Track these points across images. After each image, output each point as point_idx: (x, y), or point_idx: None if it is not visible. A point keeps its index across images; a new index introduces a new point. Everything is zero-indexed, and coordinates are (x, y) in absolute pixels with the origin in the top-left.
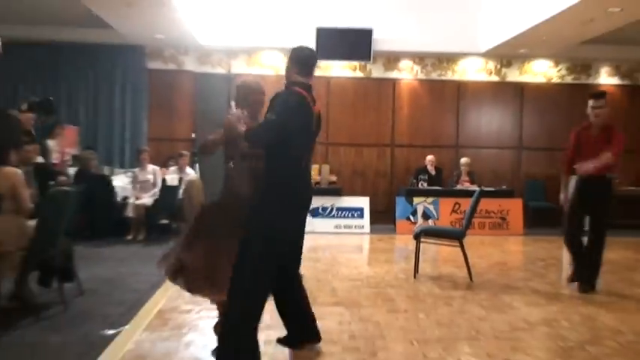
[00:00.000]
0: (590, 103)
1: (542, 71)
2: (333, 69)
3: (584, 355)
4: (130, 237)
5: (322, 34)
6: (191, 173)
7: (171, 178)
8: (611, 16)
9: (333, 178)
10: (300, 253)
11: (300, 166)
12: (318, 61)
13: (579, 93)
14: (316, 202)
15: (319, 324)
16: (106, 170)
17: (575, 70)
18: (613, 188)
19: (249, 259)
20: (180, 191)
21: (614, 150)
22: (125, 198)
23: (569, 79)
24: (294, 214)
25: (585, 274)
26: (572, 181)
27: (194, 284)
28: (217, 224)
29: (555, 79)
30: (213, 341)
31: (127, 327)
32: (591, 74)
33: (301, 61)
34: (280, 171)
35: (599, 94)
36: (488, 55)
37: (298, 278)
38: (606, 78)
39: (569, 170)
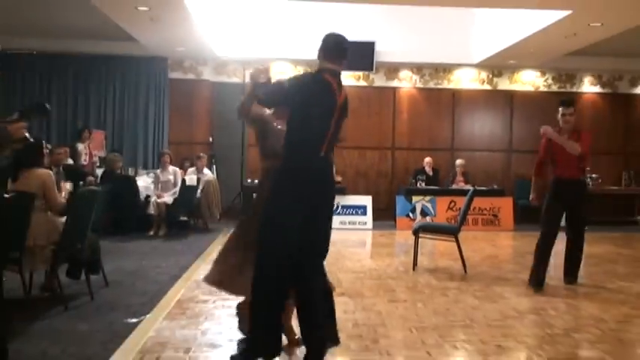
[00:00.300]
0: (561, 110)
1: (530, 80)
2: None
3: (569, 341)
4: (151, 233)
5: None
6: (208, 174)
7: (190, 179)
8: (593, 31)
9: (339, 178)
10: (318, 254)
11: (317, 156)
12: (346, 47)
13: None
14: None
15: None
16: (130, 171)
17: (561, 80)
18: (587, 189)
19: (261, 246)
20: (198, 191)
21: (582, 144)
22: (147, 197)
23: (554, 88)
24: (301, 203)
25: (569, 267)
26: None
27: (222, 277)
28: (251, 228)
29: (542, 88)
30: (228, 329)
31: (148, 316)
32: (575, 83)
33: (327, 47)
34: (294, 157)
35: (568, 101)
36: (480, 65)
37: (317, 284)
38: (589, 87)
39: (539, 173)
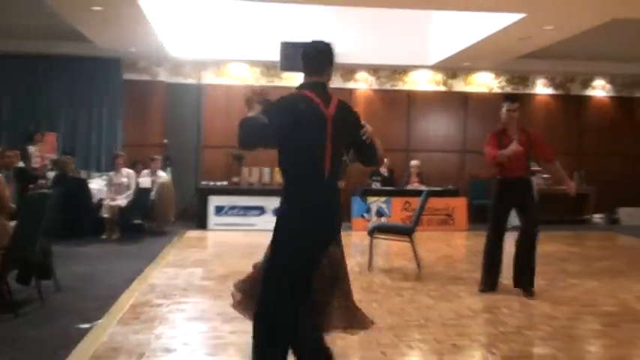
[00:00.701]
0: (506, 105)
1: (484, 82)
2: (295, 80)
3: (522, 338)
4: (104, 236)
5: (285, 47)
6: (162, 176)
7: (144, 181)
8: (546, 34)
9: None
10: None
11: (321, 181)
12: (328, 53)
13: (518, 102)
14: (279, 202)
15: None
16: (83, 174)
17: (514, 82)
18: (534, 187)
19: (265, 270)
20: (153, 193)
21: (552, 156)
22: (101, 200)
23: (508, 90)
24: (303, 233)
25: (525, 279)
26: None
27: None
28: None
29: (496, 90)
30: (182, 333)
31: (101, 321)
32: (528, 85)
33: (305, 59)
34: (291, 183)
35: (514, 97)
36: (436, 67)
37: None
38: (542, 88)
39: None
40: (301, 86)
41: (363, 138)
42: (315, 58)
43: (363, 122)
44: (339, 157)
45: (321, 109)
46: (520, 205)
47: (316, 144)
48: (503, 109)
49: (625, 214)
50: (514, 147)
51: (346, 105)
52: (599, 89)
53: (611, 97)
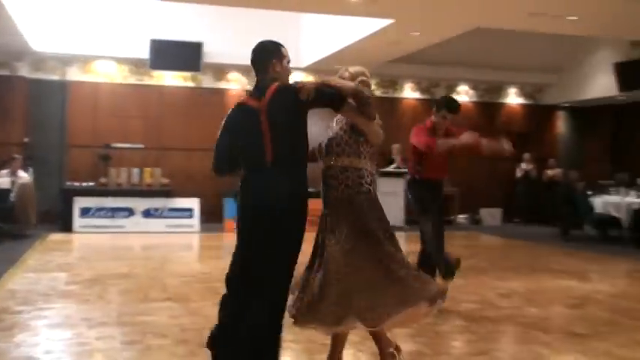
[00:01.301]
0: (445, 113)
1: None
2: (165, 78)
3: (389, 335)
4: None
5: (155, 45)
6: (23, 176)
7: (3, 181)
8: (413, 39)
9: (165, 180)
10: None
11: (259, 168)
12: (261, 53)
13: (387, 105)
14: (148, 203)
15: (149, 320)
16: None
17: (384, 85)
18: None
19: None
20: (12, 194)
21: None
22: None
23: (378, 93)
24: (245, 225)
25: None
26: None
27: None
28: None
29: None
30: (45, 340)
31: None
32: (397, 89)
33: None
34: (241, 178)
35: (458, 108)
36: (308, 69)
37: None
38: (410, 92)
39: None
40: None
41: (303, 99)
42: (254, 58)
43: (299, 86)
44: (289, 140)
45: (251, 105)
46: (438, 210)
47: (249, 134)
48: (440, 114)
49: (486, 214)
50: (469, 139)
51: (285, 86)
52: (463, 94)
53: (474, 103)
